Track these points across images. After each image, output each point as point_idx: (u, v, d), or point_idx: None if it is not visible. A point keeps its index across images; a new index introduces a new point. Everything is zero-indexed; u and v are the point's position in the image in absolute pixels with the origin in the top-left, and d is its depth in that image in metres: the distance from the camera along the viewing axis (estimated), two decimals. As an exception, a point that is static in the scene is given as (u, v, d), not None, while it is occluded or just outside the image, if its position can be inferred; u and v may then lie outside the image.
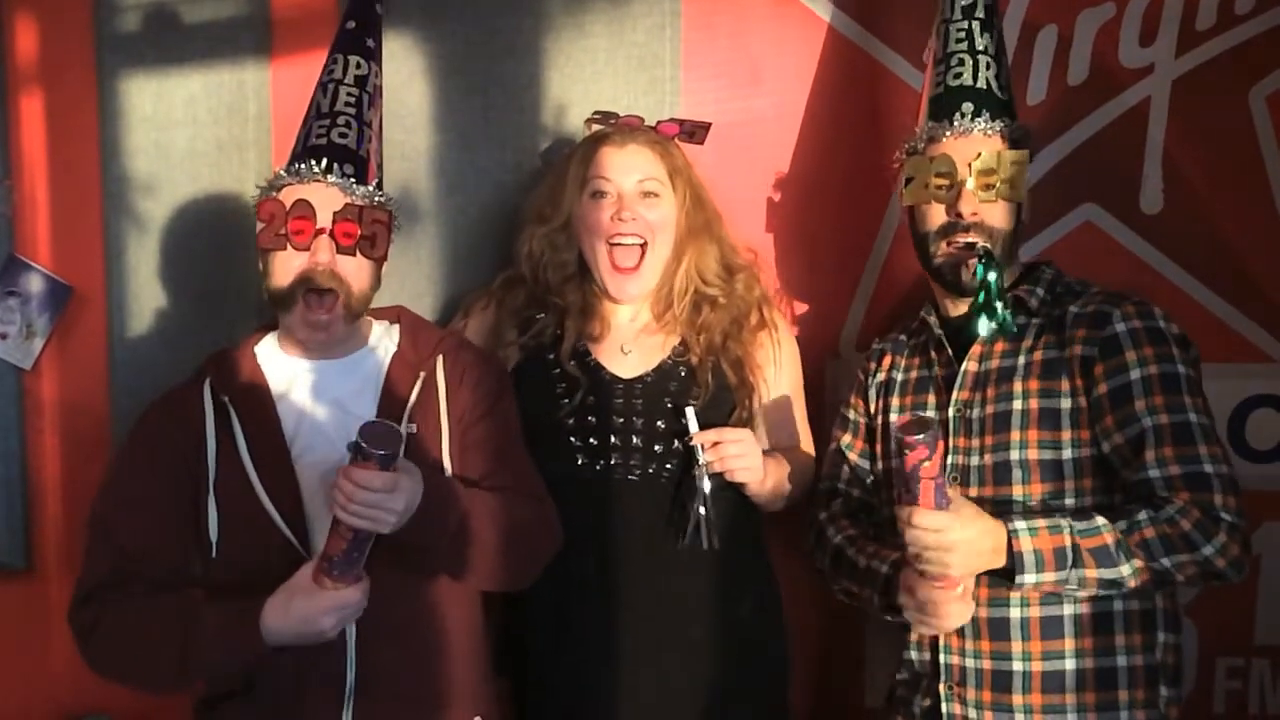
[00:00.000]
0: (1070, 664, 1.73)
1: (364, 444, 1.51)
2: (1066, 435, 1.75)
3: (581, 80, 2.22)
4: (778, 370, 2.05)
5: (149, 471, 1.74)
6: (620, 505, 1.91)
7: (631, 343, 2.03)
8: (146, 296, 2.22)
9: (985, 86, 1.84)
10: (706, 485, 1.88)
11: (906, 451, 1.56)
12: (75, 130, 2.20)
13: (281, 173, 1.77)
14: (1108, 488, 1.74)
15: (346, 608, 1.59)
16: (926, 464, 1.57)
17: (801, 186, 2.27)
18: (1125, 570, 1.62)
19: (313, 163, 1.73)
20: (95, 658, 1.73)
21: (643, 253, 1.98)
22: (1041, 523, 1.63)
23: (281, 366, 1.80)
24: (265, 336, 1.84)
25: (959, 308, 1.88)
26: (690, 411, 1.91)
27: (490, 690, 1.86)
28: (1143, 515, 1.63)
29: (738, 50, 2.23)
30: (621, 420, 1.94)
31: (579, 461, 1.94)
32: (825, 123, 2.25)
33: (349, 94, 1.81)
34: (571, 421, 1.94)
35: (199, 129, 2.21)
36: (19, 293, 2.21)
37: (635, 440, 1.94)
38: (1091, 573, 1.62)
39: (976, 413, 1.81)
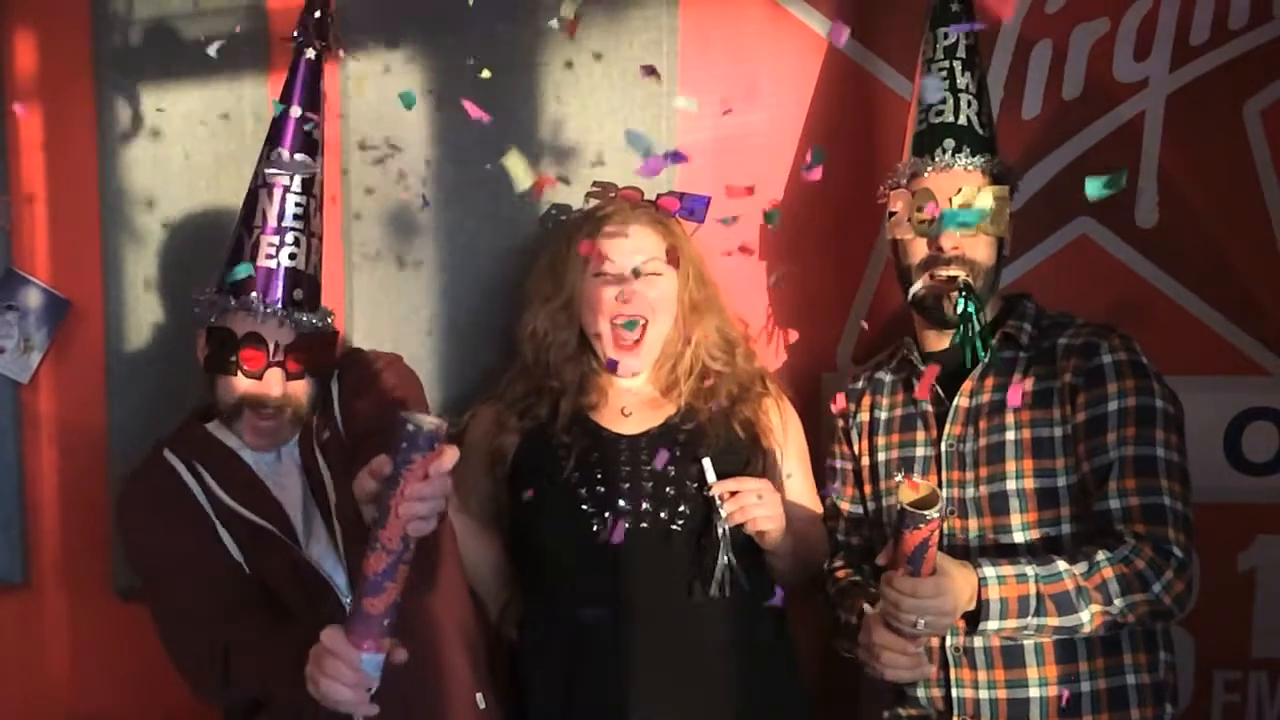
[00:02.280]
0: (1086, 685, 1.75)
1: (415, 426, 1.38)
2: (1060, 463, 1.78)
3: (578, 94, 2.22)
4: (785, 435, 2.04)
5: (165, 536, 1.75)
6: (632, 557, 1.87)
7: (632, 407, 2.02)
8: (144, 310, 2.23)
9: (966, 123, 1.87)
10: (727, 535, 1.85)
11: (919, 525, 1.56)
12: (73, 144, 2.21)
13: (231, 300, 1.75)
14: None
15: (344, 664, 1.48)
16: (934, 534, 1.58)
17: (799, 199, 2.27)
18: (1084, 616, 1.65)
19: (266, 300, 1.74)
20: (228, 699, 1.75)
21: (644, 329, 1.98)
22: (1009, 570, 1.65)
23: (229, 437, 1.83)
24: (211, 420, 1.86)
25: (941, 342, 1.90)
26: (707, 462, 1.88)
27: (490, 680, 1.88)
28: (1101, 557, 1.66)
29: (735, 65, 2.24)
30: (629, 470, 1.92)
31: (587, 514, 1.90)
32: (823, 136, 2.25)
33: (297, 203, 1.78)
34: (578, 476, 1.92)
35: (197, 143, 2.21)
36: (17, 307, 2.21)
37: (646, 487, 1.91)
38: (1053, 620, 1.65)
39: (969, 446, 1.83)
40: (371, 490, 1.45)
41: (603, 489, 1.91)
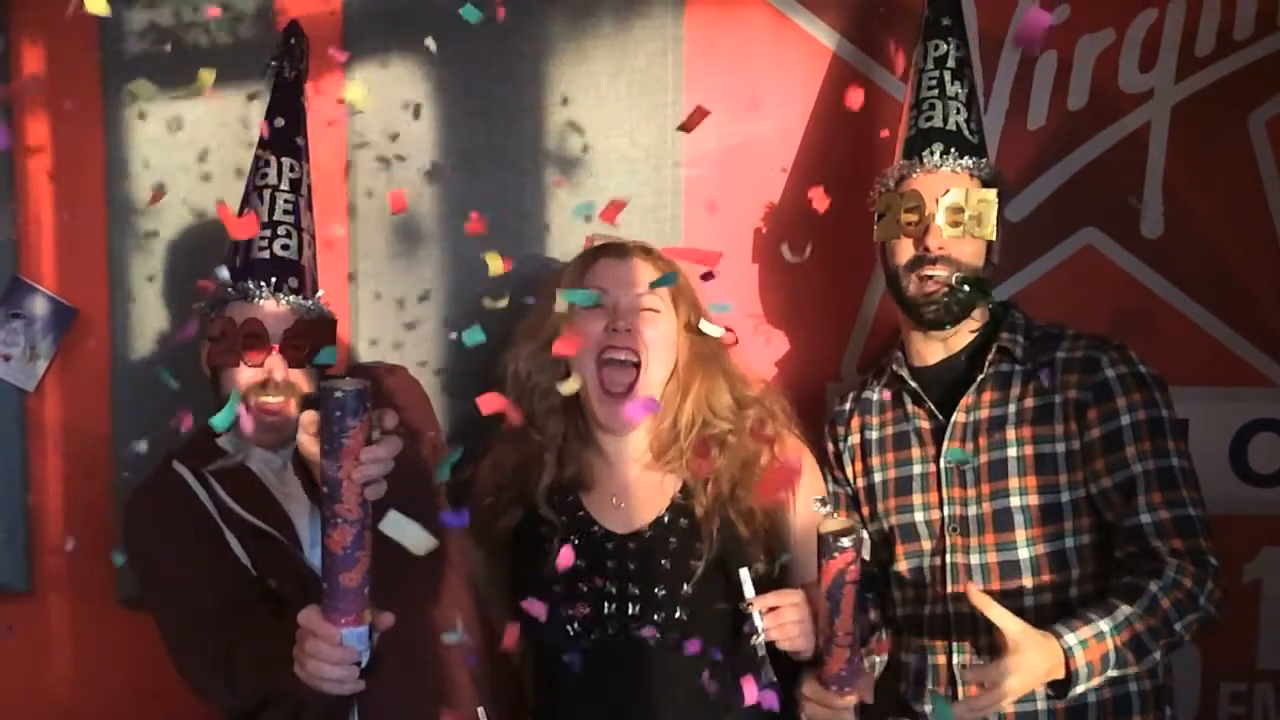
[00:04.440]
0: (1092, 696, 1.76)
1: (342, 392, 1.34)
2: (1063, 478, 1.79)
3: (584, 105, 2.22)
4: (795, 511, 1.85)
5: (171, 541, 1.75)
6: (620, 675, 1.76)
7: (625, 492, 1.86)
8: (150, 319, 2.23)
9: (955, 129, 1.88)
10: (765, 654, 1.70)
11: (835, 554, 1.53)
12: (80, 153, 2.22)
13: (229, 290, 1.79)
14: (1102, 525, 1.78)
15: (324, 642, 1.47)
16: (853, 567, 1.56)
17: (803, 209, 2.27)
18: (1157, 655, 1.66)
19: (261, 284, 1.78)
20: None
21: (636, 374, 1.82)
22: (1088, 633, 1.62)
23: (240, 450, 1.83)
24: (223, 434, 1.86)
25: (932, 353, 1.91)
26: (745, 574, 1.71)
27: (492, 695, 1.87)
28: (1154, 587, 1.65)
29: (739, 75, 2.24)
30: (616, 583, 1.78)
31: (571, 629, 1.78)
32: (827, 146, 2.26)
33: (286, 200, 1.85)
34: (558, 588, 1.79)
35: (203, 151, 2.22)
36: (23, 315, 2.22)
37: (631, 608, 1.77)
38: (1132, 668, 1.65)
39: (970, 462, 1.83)
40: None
41: (585, 602, 1.79)
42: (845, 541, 1.54)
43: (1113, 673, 1.64)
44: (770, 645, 1.70)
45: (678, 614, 1.77)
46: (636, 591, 1.78)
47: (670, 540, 1.80)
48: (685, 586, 1.77)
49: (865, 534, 1.57)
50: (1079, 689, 1.63)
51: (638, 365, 1.82)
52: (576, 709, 1.81)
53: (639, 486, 1.86)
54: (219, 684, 1.66)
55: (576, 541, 1.80)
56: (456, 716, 1.76)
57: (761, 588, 1.74)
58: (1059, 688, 1.63)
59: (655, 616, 1.77)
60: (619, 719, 1.77)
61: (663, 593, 1.77)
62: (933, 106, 1.90)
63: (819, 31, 2.26)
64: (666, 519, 1.83)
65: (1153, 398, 1.77)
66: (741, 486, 1.82)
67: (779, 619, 1.69)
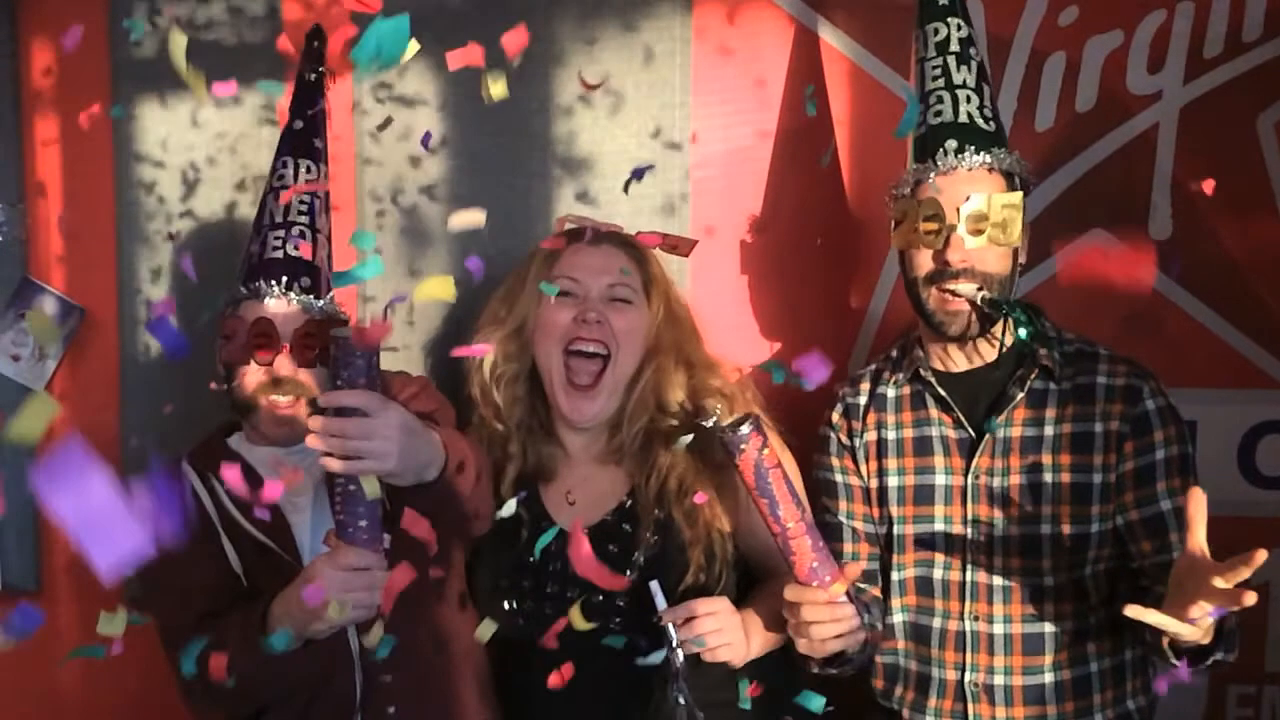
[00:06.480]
0: (1099, 717, 1.75)
1: (349, 340, 1.39)
2: (1095, 509, 1.71)
3: (590, 107, 2.23)
4: (748, 511, 1.71)
5: (169, 547, 1.75)
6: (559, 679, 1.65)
7: (579, 488, 1.80)
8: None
9: (967, 120, 1.75)
10: (681, 670, 1.60)
11: (743, 447, 1.44)
12: (89, 154, 2.23)
13: (241, 289, 1.80)
14: (1121, 554, 1.72)
15: (342, 568, 1.51)
16: (767, 451, 1.46)
17: (812, 209, 2.27)
18: (1236, 652, 1.56)
19: (272, 283, 1.78)
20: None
21: (603, 366, 1.77)
22: None
23: (250, 450, 1.84)
24: (234, 434, 1.88)
25: (957, 361, 1.81)
26: (655, 586, 1.62)
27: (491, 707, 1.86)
28: None
29: (748, 76, 2.24)
30: (558, 584, 1.73)
31: (510, 610, 1.74)
32: (837, 146, 2.26)
33: (301, 202, 1.85)
34: (508, 568, 1.75)
35: (212, 153, 2.22)
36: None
37: (573, 599, 1.69)
38: (1233, 655, 1.56)
39: (999, 481, 1.74)
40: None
41: (529, 600, 1.75)
42: (745, 429, 1.46)
43: (1220, 655, 1.52)
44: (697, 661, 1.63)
45: (613, 623, 1.70)
46: (573, 595, 1.69)
47: (609, 546, 1.73)
48: (618, 598, 1.70)
49: (761, 415, 1.49)
50: (1217, 656, 1.51)
51: (606, 357, 1.77)
52: (528, 708, 1.77)
53: (593, 484, 1.81)
54: (200, 693, 1.68)
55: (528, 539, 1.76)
56: None
57: (699, 595, 1.68)
58: (1195, 656, 1.50)
59: (593, 622, 1.68)
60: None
61: (600, 599, 1.70)
62: (940, 99, 1.76)
63: (827, 32, 2.25)
64: (610, 521, 1.77)
65: (1182, 433, 1.71)
66: (686, 484, 1.74)
67: (696, 630, 1.61)
